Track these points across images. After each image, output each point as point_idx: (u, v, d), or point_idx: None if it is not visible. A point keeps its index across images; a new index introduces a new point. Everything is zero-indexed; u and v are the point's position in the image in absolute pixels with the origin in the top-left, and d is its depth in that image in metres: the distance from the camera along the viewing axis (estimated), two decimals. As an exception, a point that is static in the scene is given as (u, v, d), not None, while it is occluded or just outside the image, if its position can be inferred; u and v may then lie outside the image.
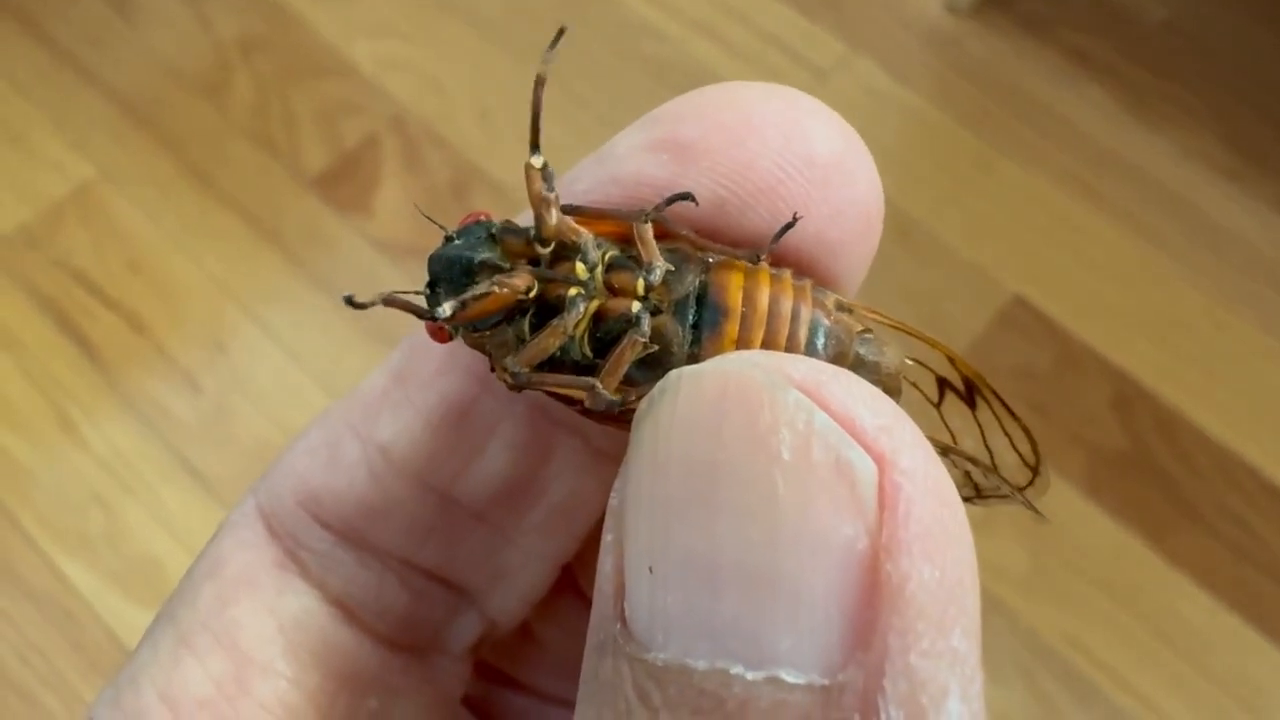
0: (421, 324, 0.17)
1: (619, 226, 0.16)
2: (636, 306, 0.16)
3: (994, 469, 0.18)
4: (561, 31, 0.16)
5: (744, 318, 0.16)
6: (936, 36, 0.88)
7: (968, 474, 0.18)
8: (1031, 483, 0.18)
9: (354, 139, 0.82)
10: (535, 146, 0.16)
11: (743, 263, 0.16)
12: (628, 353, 0.16)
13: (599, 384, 0.16)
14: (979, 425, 0.18)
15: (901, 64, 0.86)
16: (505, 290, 0.16)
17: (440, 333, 0.17)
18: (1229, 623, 0.66)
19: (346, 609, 0.18)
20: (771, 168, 0.16)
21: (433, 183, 0.81)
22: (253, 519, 0.19)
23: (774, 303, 0.16)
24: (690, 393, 0.13)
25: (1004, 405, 0.17)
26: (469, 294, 0.16)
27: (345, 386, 0.72)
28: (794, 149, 0.16)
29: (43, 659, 0.65)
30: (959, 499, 0.13)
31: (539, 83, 0.16)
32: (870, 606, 0.12)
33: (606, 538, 0.13)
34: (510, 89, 0.84)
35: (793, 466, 0.12)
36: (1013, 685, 0.64)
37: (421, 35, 0.87)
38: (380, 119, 0.83)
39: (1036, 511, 0.18)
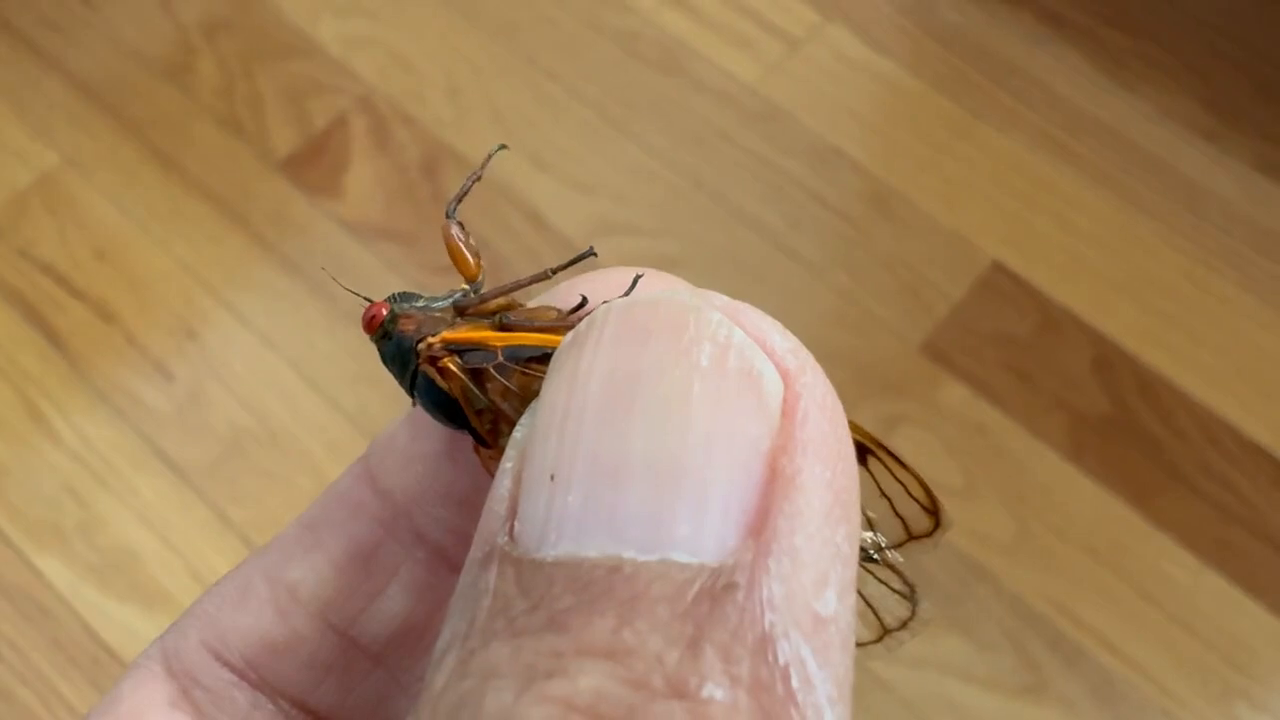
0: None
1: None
2: None
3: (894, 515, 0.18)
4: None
5: None
6: (910, 2, 0.87)
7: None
8: (936, 526, 0.18)
9: (322, 120, 0.81)
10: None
11: None
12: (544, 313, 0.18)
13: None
14: (872, 475, 0.18)
15: (875, 31, 0.85)
16: (470, 244, 0.19)
17: (374, 320, 0.18)
18: (1214, 582, 0.66)
19: None
20: None
21: (403, 162, 0.80)
22: (155, 659, 0.19)
23: None
24: (619, 317, 0.14)
25: (893, 456, 0.18)
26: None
27: (319, 369, 0.71)
28: None
29: (18, 655, 0.64)
30: (847, 427, 0.14)
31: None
32: (767, 498, 0.13)
33: (505, 465, 0.14)
34: (479, 65, 0.83)
35: (709, 373, 0.13)
36: (1000, 651, 0.64)
37: (388, 12, 0.86)
38: (348, 99, 0.82)
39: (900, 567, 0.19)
